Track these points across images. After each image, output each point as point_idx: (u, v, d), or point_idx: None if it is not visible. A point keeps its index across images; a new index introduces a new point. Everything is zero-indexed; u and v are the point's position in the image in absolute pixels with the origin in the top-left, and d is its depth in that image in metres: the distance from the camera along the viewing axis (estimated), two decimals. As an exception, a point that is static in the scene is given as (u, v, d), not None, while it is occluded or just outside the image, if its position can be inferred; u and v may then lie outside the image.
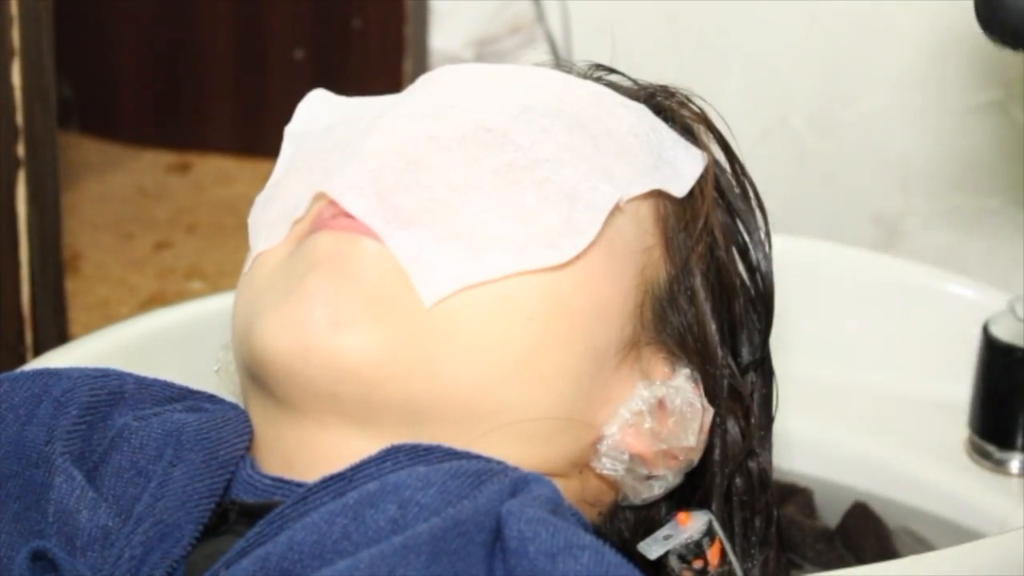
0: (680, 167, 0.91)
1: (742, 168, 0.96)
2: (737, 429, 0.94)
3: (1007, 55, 1.02)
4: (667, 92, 0.97)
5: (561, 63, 0.97)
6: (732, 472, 0.94)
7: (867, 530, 1.12)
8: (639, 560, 0.89)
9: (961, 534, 1.14)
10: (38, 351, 1.66)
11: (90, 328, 1.54)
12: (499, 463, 0.81)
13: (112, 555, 0.78)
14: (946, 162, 1.77)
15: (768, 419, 0.96)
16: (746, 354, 0.94)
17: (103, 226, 2.52)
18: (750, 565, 0.95)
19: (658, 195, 0.90)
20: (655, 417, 0.88)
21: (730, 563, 0.90)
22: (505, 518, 0.75)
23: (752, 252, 0.95)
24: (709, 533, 0.89)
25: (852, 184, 1.81)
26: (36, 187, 1.64)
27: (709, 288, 0.91)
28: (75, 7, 2.81)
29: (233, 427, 0.85)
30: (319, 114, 0.94)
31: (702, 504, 0.93)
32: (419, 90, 0.93)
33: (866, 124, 1.79)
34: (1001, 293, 1.23)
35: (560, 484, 0.82)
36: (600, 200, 0.85)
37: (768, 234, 0.96)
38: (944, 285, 1.26)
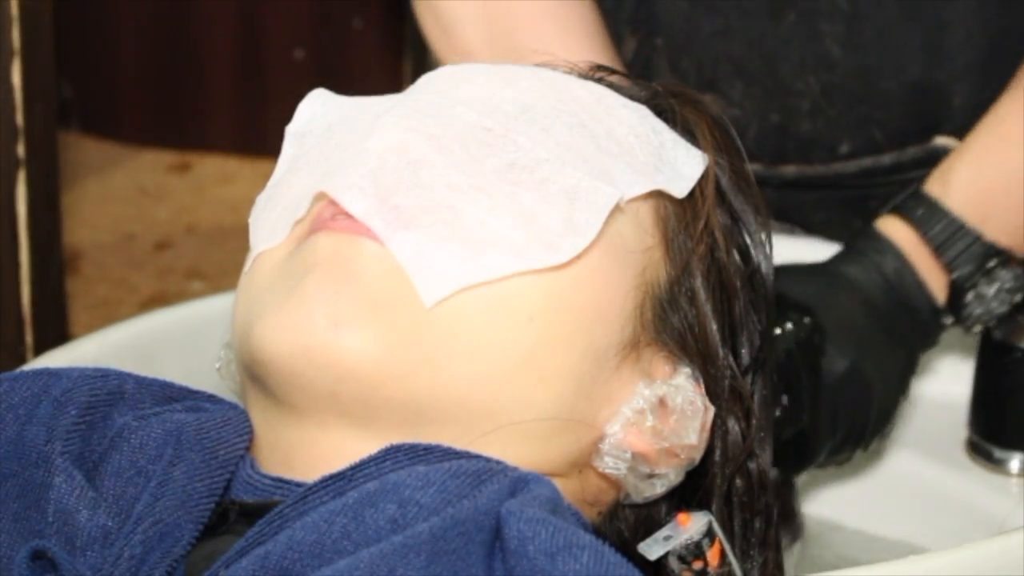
0: (681, 168, 0.91)
1: (744, 169, 0.96)
2: (737, 430, 0.94)
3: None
4: (668, 93, 0.97)
5: (562, 64, 0.96)
6: (732, 473, 0.94)
7: None
8: (639, 560, 0.88)
9: (961, 534, 1.14)
10: (38, 351, 1.66)
11: (90, 328, 1.54)
12: (498, 463, 0.81)
13: (112, 555, 0.78)
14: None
15: (768, 420, 0.96)
16: (746, 355, 0.94)
17: (103, 226, 2.52)
18: (750, 566, 0.95)
19: (659, 196, 0.90)
20: (657, 415, 0.88)
21: (730, 564, 0.90)
22: (505, 518, 0.75)
23: (753, 253, 0.95)
24: (709, 534, 0.89)
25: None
26: (36, 187, 1.64)
27: (710, 289, 0.91)
28: (75, 7, 2.82)
29: (233, 427, 0.85)
30: (320, 114, 0.94)
31: (702, 505, 0.93)
32: (420, 90, 0.93)
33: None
34: (1001, 293, 1.22)
35: (560, 484, 0.82)
36: (600, 200, 0.85)
37: (768, 235, 0.95)
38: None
